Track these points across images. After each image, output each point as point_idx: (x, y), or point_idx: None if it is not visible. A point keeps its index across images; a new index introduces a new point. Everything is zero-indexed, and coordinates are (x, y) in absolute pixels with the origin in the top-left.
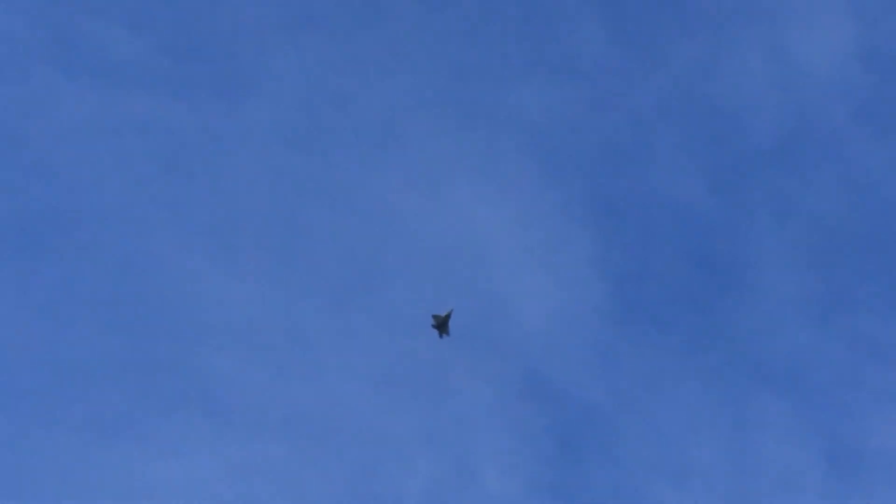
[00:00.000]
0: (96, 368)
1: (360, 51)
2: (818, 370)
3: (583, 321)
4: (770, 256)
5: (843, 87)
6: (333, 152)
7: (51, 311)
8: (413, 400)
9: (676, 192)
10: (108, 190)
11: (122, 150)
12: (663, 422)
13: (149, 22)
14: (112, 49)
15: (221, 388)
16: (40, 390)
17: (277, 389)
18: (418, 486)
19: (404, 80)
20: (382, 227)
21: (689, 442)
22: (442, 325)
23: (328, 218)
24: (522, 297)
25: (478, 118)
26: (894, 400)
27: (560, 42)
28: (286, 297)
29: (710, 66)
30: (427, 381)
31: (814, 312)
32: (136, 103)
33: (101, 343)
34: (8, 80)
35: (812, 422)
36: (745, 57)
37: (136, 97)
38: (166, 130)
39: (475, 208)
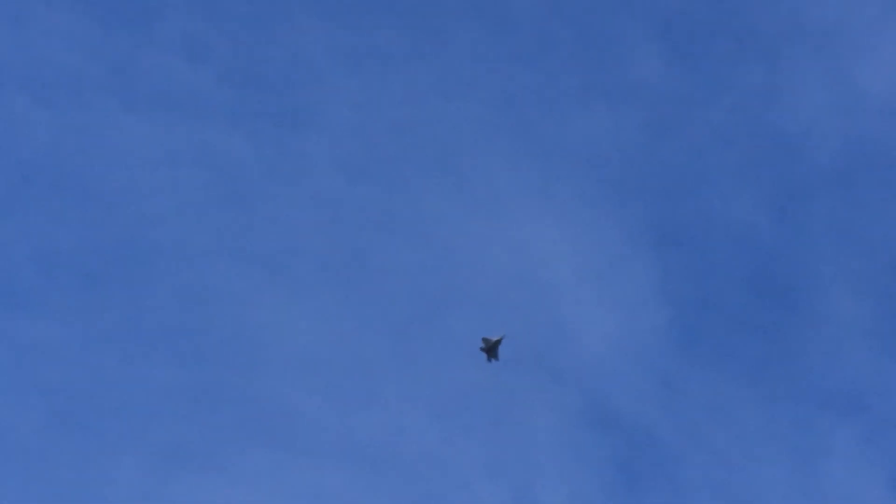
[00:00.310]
0: (161, 401)
1: (418, 80)
2: (883, 396)
3: (644, 348)
4: (832, 282)
5: None
6: (393, 182)
7: (115, 343)
8: (474, 429)
9: (738, 217)
10: (168, 222)
11: (182, 182)
12: (726, 450)
13: (208, 53)
14: (171, 80)
15: (284, 418)
16: (106, 423)
17: (340, 420)
18: None
19: (463, 109)
20: (442, 255)
21: (753, 470)
22: (491, 349)
23: (387, 247)
24: (584, 323)
25: (537, 145)
26: None
27: (619, 67)
28: (348, 327)
29: (772, 91)
30: (488, 409)
31: (878, 338)
32: (195, 134)
33: (166, 375)
34: (68, 112)
35: (878, 448)
36: (806, 82)
37: (195, 128)
38: (226, 161)
39: (536, 235)
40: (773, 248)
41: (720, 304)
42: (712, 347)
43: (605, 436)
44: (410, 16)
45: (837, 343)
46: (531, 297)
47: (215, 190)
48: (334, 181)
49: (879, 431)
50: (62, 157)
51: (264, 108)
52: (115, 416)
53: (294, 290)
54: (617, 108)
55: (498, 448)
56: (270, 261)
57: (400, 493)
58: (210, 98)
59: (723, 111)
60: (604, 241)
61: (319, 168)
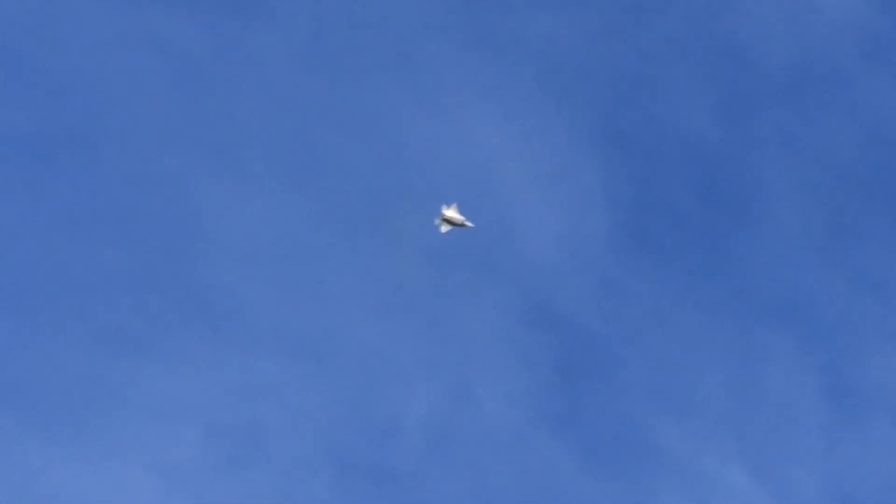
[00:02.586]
0: (102, 282)
1: None
2: (821, 305)
3: (588, 250)
4: (776, 191)
5: (853, 26)
6: (344, 76)
7: (58, 224)
8: (417, 326)
9: (684, 124)
10: (119, 107)
11: (134, 67)
12: (665, 354)
13: None
14: None
15: (226, 306)
16: (44, 301)
17: (283, 311)
18: (419, 410)
19: (417, 4)
20: (392, 151)
21: (691, 373)
22: (448, 222)
23: (338, 142)
24: (528, 224)
25: (489, 44)
26: (893, 337)
27: None
28: (294, 218)
29: (722, 0)
30: (431, 307)
31: (818, 248)
32: (149, 21)
33: (109, 257)
34: None
35: (813, 356)
36: None
37: (150, 14)
38: (180, 49)
39: (484, 133)
40: (719, 156)
41: (665, 211)
42: (655, 253)
43: (545, 336)
44: None
45: (780, 253)
46: (477, 195)
47: (167, 77)
48: (286, 73)
49: (817, 341)
50: (11, 38)
51: None
52: (58, 301)
53: (242, 180)
54: (570, 11)
55: (438, 345)
56: (220, 150)
57: (338, 387)
58: None
59: (675, 19)
60: (552, 143)
61: (273, 60)
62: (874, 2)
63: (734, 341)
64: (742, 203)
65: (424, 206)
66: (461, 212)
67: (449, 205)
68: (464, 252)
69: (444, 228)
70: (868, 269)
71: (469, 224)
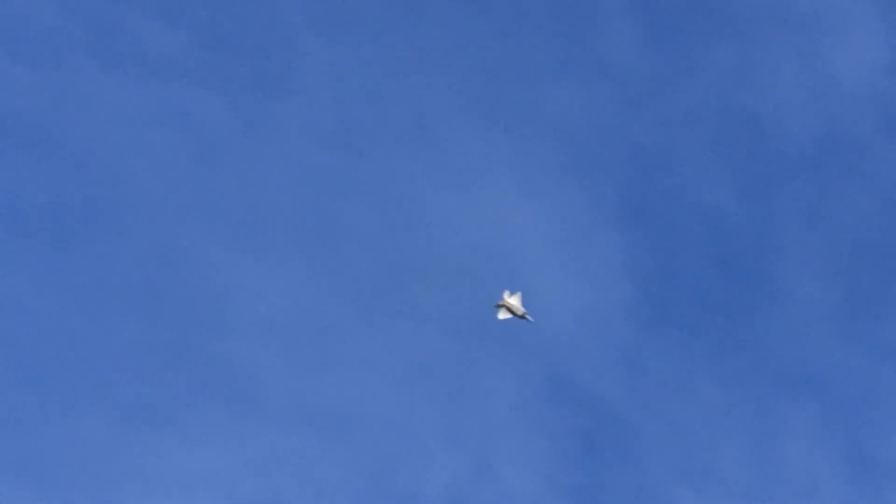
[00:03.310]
0: (121, 356)
1: (394, 49)
2: (841, 378)
3: (609, 323)
4: (796, 264)
5: (873, 99)
6: (365, 150)
7: (81, 300)
8: (437, 398)
9: (705, 196)
10: (140, 181)
11: (155, 142)
12: (686, 426)
13: (185, 14)
14: (147, 41)
15: (246, 380)
16: (64, 375)
17: (302, 384)
18: (439, 482)
19: (437, 80)
20: (411, 225)
21: (712, 446)
22: (508, 310)
23: (358, 215)
24: (550, 296)
25: (509, 118)
26: None
27: (593, 43)
28: (314, 292)
29: (743, 72)
30: (452, 379)
31: (838, 321)
32: (169, 95)
33: (131, 333)
34: (42, 69)
35: (834, 429)
36: (778, 65)
37: (170, 89)
38: (200, 124)
39: (505, 208)
40: (739, 230)
41: (685, 283)
42: (676, 325)
43: (567, 409)
44: None
45: (800, 326)
46: (498, 268)
47: (187, 151)
48: (306, 147)
49: (836, 414)
50: (35, 113)
51: (239, 71)
52: (78, 374)
53: (262, 253)
54: (590, 84)
55: (458, 418)
56: (239, 223)
57: (358, 460)
58: (185, 60)
59: (695, 92)
60: (572, 216)
61: (292, 133)
62: (894, 73)
63: (754, 414)
64: (762, 276)
65: (445, 280)
66: (524, 304)
67: (513, 292)
68: (485, 324)
69: (503, 315)
70: (888, 341)
71: (529, 318)
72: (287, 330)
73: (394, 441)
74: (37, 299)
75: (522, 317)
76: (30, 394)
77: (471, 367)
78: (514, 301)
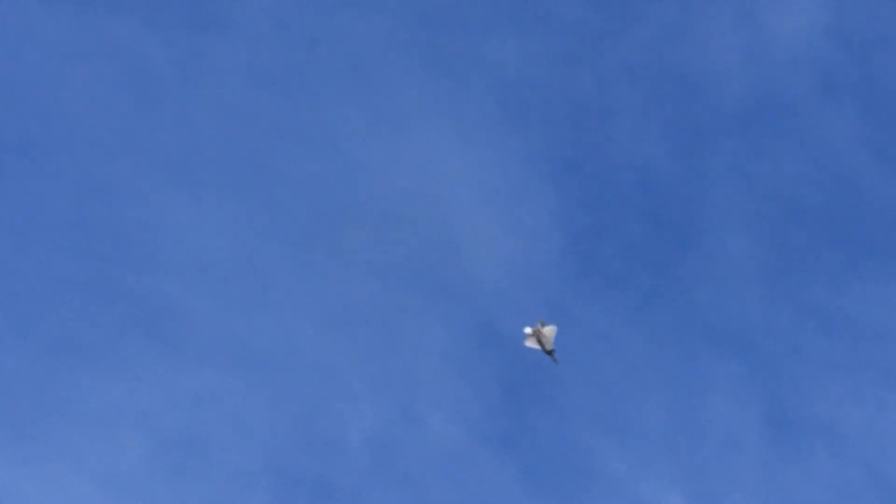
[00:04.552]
0: (48, 290)
1: None
2: (766, 337)
3: (538, 274)
4: (727, 222)
5: (809, 61)
6: (300, 92)
7: (9, 234)
8: (364, 343)
9: (638, 152)
10: (70, 115)
11: (87, 77)
12: (611, 378)
13: None
14: None
15: (174, 318)
16: None
17: (230, 324)
18: (363, 426)
19: (376, 23)
20: (345, 168)
21: (635, 399)
22: (541, 342)
23: (291, 157)
24: (479, 245)
25: (446, 66)
26: (837, 370)
27: None
28: (245, 233)
29: (680, 30)
30: (379, 325)
31: (766, 280)
32: (103, 30)
33: (59, 266)
34: None
35: (758, 386)
36: (715, 24)
37: (105, 23)
38: (135, 59)
39: (438, 155)
40: (671, 186)
41: (615, 238)
42: (604, 279)
43: (493, 358)
44: None
45: (727, 283)
46: (430, 215)
47: (120, 86)
48: (241, 87)
49: (761, 370)
50: None
51: (176, 8)
52: (3, 307)
53: (194, 192)
54: (528, 36)
55: (385, 364)
56: (171, 161)
57: (283, 401)
58: None
59: (632, 48)
60: (505, 165)
61: (228, 73)
62: (830, 36)
63: (679, 369)
64: (692, 233)
65: (377, 225)
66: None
67: (548, 323)
68: (412, 271)
69: (530, 343)
70: (815, 302)
71: (556, 358)
72: (216, 269)
73: (319, 384)
74: None
75: (549, 353)
76: None
77: (399, 313)
78: (547, 332)
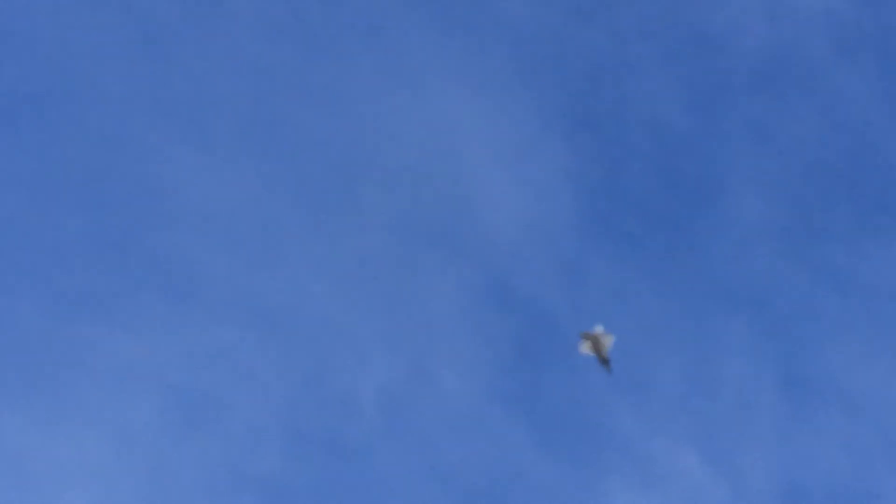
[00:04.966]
0: (61, 244)
1: None
2: (781, 297)
3: (552, 232)
4: (743, 181)
5: (827, 17)
6: (315, 48)
7: (15, 186)
8: (377, 300)
9: (654, 110)
10: (83, 69)
11: (100, 30)
12: (624, 336)
13: None
14: None
15: (187, 273)
16: (4, 266)
17: (242, 279)
18: (375, 383)
19: None
20: (358, 124)
21: (649, 360)
22: (599, 352)
23: (304, 112)
24: (493, 202)
25: (461, 21)
26: (850, 331)
27: None
28: (258, 188)
29: None
30: (393, 282)
31: (781, 240)
32: None
33: (73, 221)
34: None
35: (770, 346)
36: None
37: None
38: (148, 12)
39: (452, 111)
40: (687, 144)
41: (630, 196)
42: (618, 237)
43: (506, 316)
44: None
45: (742, 242)
46: (444, 171)
47: (133, 40)
48: (257, 42)
49: (774, 330)
50: None
51: None
52: (15, 263)
53: (208, 147)
54: None
55: (397, 321)
56: (185, 115)
57: (295, 357)
58: None
59: (648, 2)
60: (519, 122)
61: (243, 27)
62: None
63: (693, 328)
64: (708, 192)
65: (390, 181)
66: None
67: (607, 332)
68: (426, 227)
69: (585, 350)
70: (830, 262)
71: (610, 367)
72: (230, 224)
73: (332, 340)
74: None
75: (604, 361)
76: None
77: (412, 269)
78: (605, 341)
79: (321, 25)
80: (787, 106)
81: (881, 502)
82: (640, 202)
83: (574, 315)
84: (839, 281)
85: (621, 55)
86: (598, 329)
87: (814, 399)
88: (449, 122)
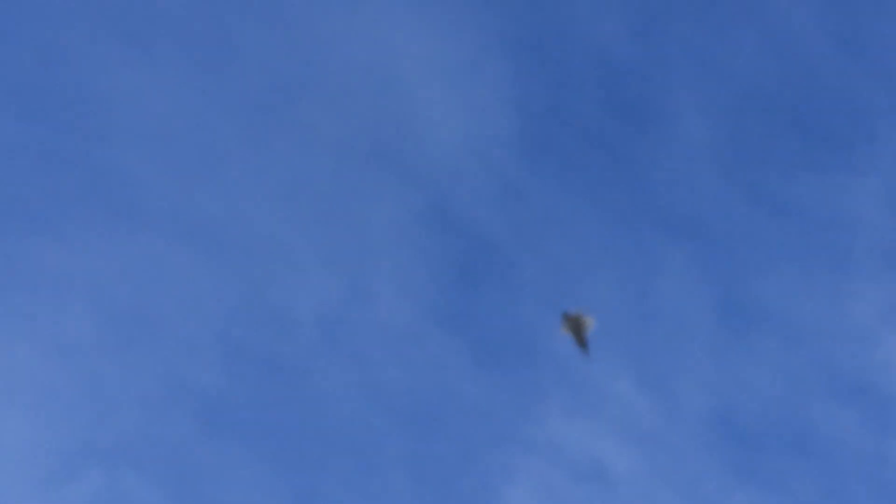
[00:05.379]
0: (2, 158)
1: None
2: (720, 222)
3: (493, 153)
4: (685, 105)
5: None
6: None
7: None
8: (316, 219)
9: (597, 32)
10: None
11: None
12: (562, 261)
13: None
14: None
15: (126, 187)
16: None
17: (181, 195)
18: (312, 302)
19: None
20: (299, 41)
21: (585, 282)
22: (578, 333)
23: (245, 29)
24: (435, 123)
25: None
26: (789, 258)
27: None
28: (198, 102)
29: None
30: (332, 201)
31: (722, 166)
32: None
33: (7, 132)
34: None
35: (708, 273)
36: None
37: None
38: None
39: (394, 29)
40: (630, 67)
41: (571, 118)
42: (559, 160)
43: (445, 237)
44: None
45: (683, 168)
46: (385, 90)
47: None
48: None
49: (712, 256)
50: None
51: None
52: None
53: (147, 60)
54: None
55: (337, 240)
56: (125, 27)
57: (233, 273)
58: None
59: None
60: (462, 42)
61: None
62: None
63: (631, 252)
64: (650, 117)
65: (329, 98)
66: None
67: (587, 314)
68: (367, 147)
69: (564, 329)
70: (771, 189)
71: (587, 348)
72: (169, 139)
73: (270, 257)
74: None
75: (582, 343)
76: None
77: (352, 189)
78: (586, 322)
79: None
80: (732, 33)
81: (814, 428)
82: (582, 125)
83: (513, 237)
84: (779, 208)
85: None
86: (580, 311)
87: (750, 325)
88: (391, 41)
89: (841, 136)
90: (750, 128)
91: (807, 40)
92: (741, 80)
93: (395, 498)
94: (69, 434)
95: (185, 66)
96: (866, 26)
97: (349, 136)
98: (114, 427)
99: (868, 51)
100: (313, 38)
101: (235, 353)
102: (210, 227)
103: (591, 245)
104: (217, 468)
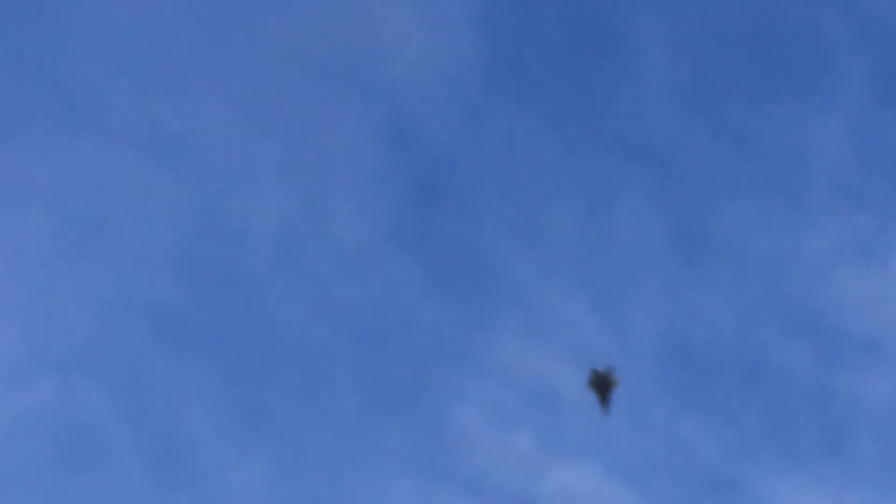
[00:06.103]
0: None
1: None
2: (680, 153)
3: (457, 75)
4: (650, 35)
5: None
6: None
7: None
8: (276, 133)
9: None
10: None
11: None
12: (521, 185)
13: None
14: None
15: (83, 94)
16: None
17: (140, 104)
18: (269, 217)
19: None
20: None
21: (544, 206)
22: (603, 390)
23: None
24: (399, 42)
25: None
26: (746, 190)
27: None
28: (158, 12)
29: None
30: (292, 116)
31: (683, 96)
32: None
33: None
34: None
35: (665, 202)
36: None
37: None
38: None
39: None
40: None
41: (536, 43)
42: (522, 84)
43: (405, 157)
44: None
45: (645, 98)
46: (349, 7)
47: None
48: None
49: (670, 186)
50: None
51: None
52: None
53: None
54: None
55: (296, 155)
56: None
57: (190, 186)
58: None
59: None
60: None
61: None
62: None
63: (590, 179)
64: (615, 46)
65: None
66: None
67: (615, 373)
68: (329, 63)
69: (591, 385)
70: (731, 121)
71: (607, 408)
72: (128, 48)
73: (227, 170)
74: None
75: (605, 400)
76: None
77: (313, 105)
78: (615, 380)
79: None
80: None
81: (764, 358)
82: (547, 51)
83: (474, 160)
84: (739, 140)
85: None
86: (608, 369)
87: (705, 254)
88: None
89: (803, 70)
90: (713, 59)
91: None
92: (706, 12)
93: (345, 415)
94: (21, 340)
95: None
96: None
97: (312, 53)
98: (67, 335)
99: None
100: None
101: (190, 264)
102: (169, 139)
103: (551, 170)
104: (169, 378)
